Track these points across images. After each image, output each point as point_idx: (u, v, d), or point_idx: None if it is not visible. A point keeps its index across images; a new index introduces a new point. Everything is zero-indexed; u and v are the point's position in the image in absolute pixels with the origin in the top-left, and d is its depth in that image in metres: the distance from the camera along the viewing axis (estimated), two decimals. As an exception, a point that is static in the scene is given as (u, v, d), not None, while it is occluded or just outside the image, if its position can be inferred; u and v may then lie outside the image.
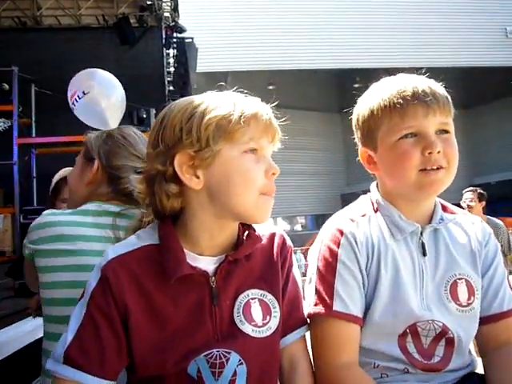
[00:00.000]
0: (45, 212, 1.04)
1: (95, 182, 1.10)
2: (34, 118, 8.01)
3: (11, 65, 7.53)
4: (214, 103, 0.83)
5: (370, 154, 1.01)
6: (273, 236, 0.95)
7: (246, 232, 0.89)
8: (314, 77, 15.83)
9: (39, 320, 1.50)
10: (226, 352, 0.83)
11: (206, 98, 0.85)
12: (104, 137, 1.13)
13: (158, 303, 0.81)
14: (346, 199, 16.94)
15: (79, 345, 0.78)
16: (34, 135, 7.99)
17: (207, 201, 0.83)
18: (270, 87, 13.99)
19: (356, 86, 14.48)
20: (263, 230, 0.94)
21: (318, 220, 16.21)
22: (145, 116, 6.85)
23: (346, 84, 14.64)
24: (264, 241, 0.92)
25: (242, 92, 0.88)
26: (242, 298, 0.87)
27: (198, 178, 0.81)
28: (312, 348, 0.97)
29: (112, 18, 8.90)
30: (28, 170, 7.81)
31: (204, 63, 10.28)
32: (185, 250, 0.84)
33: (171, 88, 8.56)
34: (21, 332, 1.40)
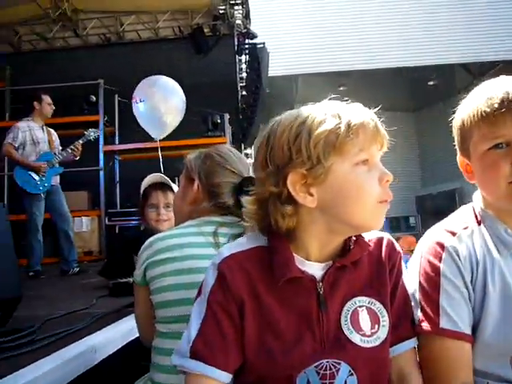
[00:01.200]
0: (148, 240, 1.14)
1: (197, 201, 1.18)
2: (117, 127, 8.56)
3: (97, 78, 8.13)
4: (319, 117, 0.81)
5: (467, 162, 0.98)
6: (380, 241, 0.92)
7: (354, 238, 0.87)
8: (386, 76, 15.37)
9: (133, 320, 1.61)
10: (335, 362, 0.80)
11: (308, 112, 0.83)
12: (202, 157, 1.22)
13: (267, 305, 0.82)
14: (421, 201, 16.20)
15: (204, 339, 0.80)
16: (117, 143, 8.53)
17: (320, 216, 0.82)
18: (341, 88, 13.76)
19: (431, 83, 13.88)
20: (370, 235, 0.91)
21: (393, 223, 15.67)
22: (219, 121, 7.07)
23: (419, 82, 14.07)
24: (371, 246, 0.89)
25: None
26: (350, 306, 0.84)
27: (311, 195, 0.80)
28: (422, 369, 0.91)
29: (187, 29, 9.29)
30: (112, 175, 8.36)
31: (274, 67, 10.37)
32: (293, 254, 0.83)
33: (244, 93, 8.75)
34: (119, 332, 1.49)
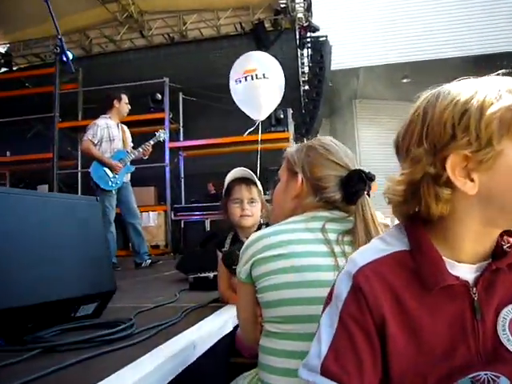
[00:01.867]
0: (253, 234, 1.09)
1: (301, 195, 1.13)
2: (181, 124, 8.76)
3: (162, 77, 8.35)
4: (492, 93, 0.70)
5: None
6: None
7: (511, 238, 0.78)
8: (454, 65, 14.62)
9: (224, 315, 1.61)
10: (494, 376, 0.73)
11: (476, 86, 0.72)
12: (305, 149, 1.16)
13: (414, 315, 0.74)
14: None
15: (335, 356, 0.73)
16: (181, 139, 8.74)
17: (477, 206, 0.72)
18: (405, 80, 13.28)
19: (503, 71, 13.00)
20: None
21: None
22: (282, 116, 7.01)
23: (490, 71, 13.22)
24: None
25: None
26: (506, 314, 0.76)
27: (472, 181, 0.70)
28: None
29: (248, 25, 9.31)
30: (177, 171, 8.57)
31: (335, 60, 10.16)
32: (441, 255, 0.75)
33: (306, 87, 8.65)
34: (215, 326, 1.47)
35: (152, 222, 7.76)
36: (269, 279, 1.00)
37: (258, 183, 1.85)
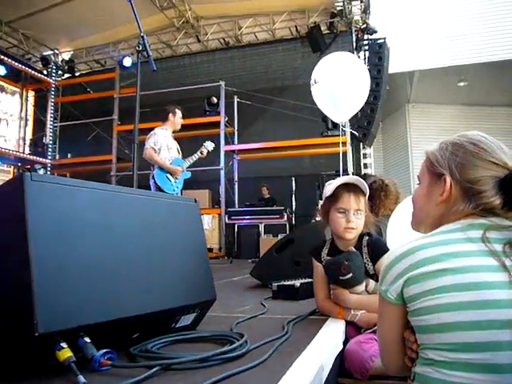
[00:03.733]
0: (400, 247, 0.94)
1: (449, 200, 0.97)
2: (236, 127, 8.75)
3: (218, 81, 8.39)
4: None
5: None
6: None
7: None
8: (510, 69, 13.89)
9: (334, 331, 1.47)
10: None
11: None
12: (450, 148, 0.99)
13: None
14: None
15: None
16: (236, 142, 8.72)
17: None
18: (461, 84, 12.74)
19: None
20: None
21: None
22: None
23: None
24: None
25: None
26: None
27: None
28: None
29: (304, 28, 9.19)
30: (230, 174, 8.56)
31: (390, 63, 9.85)
32: None
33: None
34: (331, 344, 1.33)
35: (206, 225, 7.76)
36: (429, 299, 0.85)
37: (367, 194, 1.69)
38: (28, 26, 8.67)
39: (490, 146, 0.96)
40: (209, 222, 7.81)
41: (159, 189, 4.56)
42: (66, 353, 0.94)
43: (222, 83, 8.29)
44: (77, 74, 10.19)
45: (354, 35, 8.87)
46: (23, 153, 9.45)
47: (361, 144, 8.47)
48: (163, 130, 4.68)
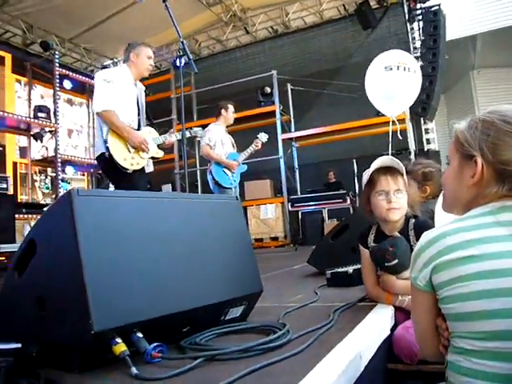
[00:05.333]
0: (430, 232, 0.92)
1: (481, 183, 0.92)
2: (292, 114, 8.73)
3: (270, 70, 8.40)
4: None
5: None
6: None
7: None
8: None
9: (381, 317, 1.49)
10: None
11: None
12: (480, 126, 0.93)
13: None
14: None
15: None
16: (293, 130, 8.71)
17: None
18: (533, 43, 11.67)
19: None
20: None
21: None
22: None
23: None
24: None
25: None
26: None
27: None
28: None
29: (352, 6, 8.93)
30: (290, 162, 8.58)
31: (447, 29, 9.27)
32: None
33: (420, 63, 8.02)
34: (375, 332, 1.35)
35: (270, 215, 7.86)
36: (457, 287, 0.84)
37: (404, 172, 1.67)
38: (88, 39, 9.19)
39: None
40: (272, 211, 7.90)
41: (217, 183, 4.71)
42: (120, 347, 1.05)
43: (274, 72, 8.30)
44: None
45: (405, 6, 8.46)
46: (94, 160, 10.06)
47: (421, 119, 8.12)
48: (217, 126, 4.82)
